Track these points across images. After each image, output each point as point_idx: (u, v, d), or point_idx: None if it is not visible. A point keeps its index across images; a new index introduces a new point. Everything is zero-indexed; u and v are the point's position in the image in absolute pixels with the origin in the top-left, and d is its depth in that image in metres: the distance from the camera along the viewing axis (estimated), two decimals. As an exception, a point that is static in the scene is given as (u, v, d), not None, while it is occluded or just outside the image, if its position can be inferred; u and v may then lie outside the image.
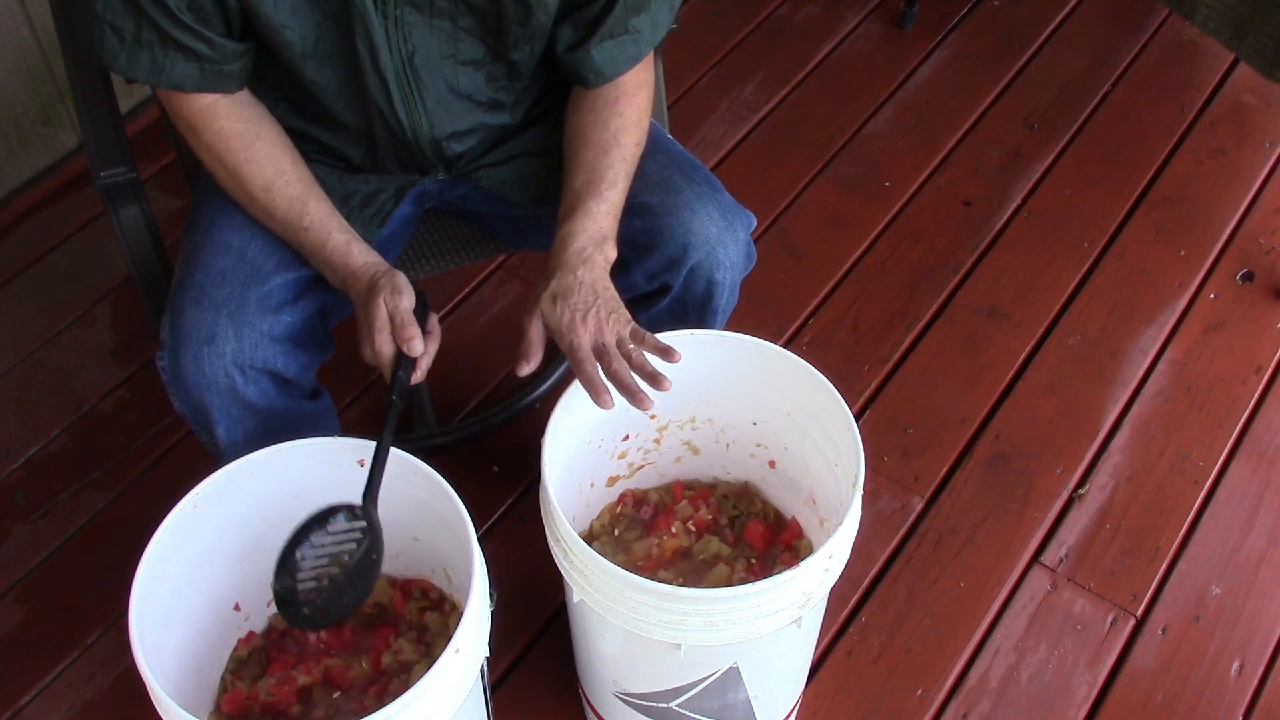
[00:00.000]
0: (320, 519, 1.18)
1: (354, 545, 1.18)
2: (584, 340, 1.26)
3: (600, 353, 1.27)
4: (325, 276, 1.36)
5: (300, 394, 1.41)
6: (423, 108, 1.38)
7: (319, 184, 1.37)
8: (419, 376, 1.28)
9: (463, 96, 1.40)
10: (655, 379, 1.27)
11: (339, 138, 1.43)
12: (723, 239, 1.41)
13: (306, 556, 1.16)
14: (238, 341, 1.30)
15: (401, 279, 1.29)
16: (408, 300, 1.27)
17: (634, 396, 1.25)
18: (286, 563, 1.16)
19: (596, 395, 1.26)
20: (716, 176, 1.47)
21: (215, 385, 1.31)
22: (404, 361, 1.25)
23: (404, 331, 1.25)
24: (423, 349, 1.26)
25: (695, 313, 1.46)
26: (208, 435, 1.36)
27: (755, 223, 1.48)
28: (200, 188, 1.47)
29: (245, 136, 1.33)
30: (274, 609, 1.42)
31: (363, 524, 1.18)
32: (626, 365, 1.27)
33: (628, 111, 1.39)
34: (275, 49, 1.31)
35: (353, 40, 1.30)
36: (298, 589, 1.16)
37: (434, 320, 1.31)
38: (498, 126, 1.47)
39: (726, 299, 1.46)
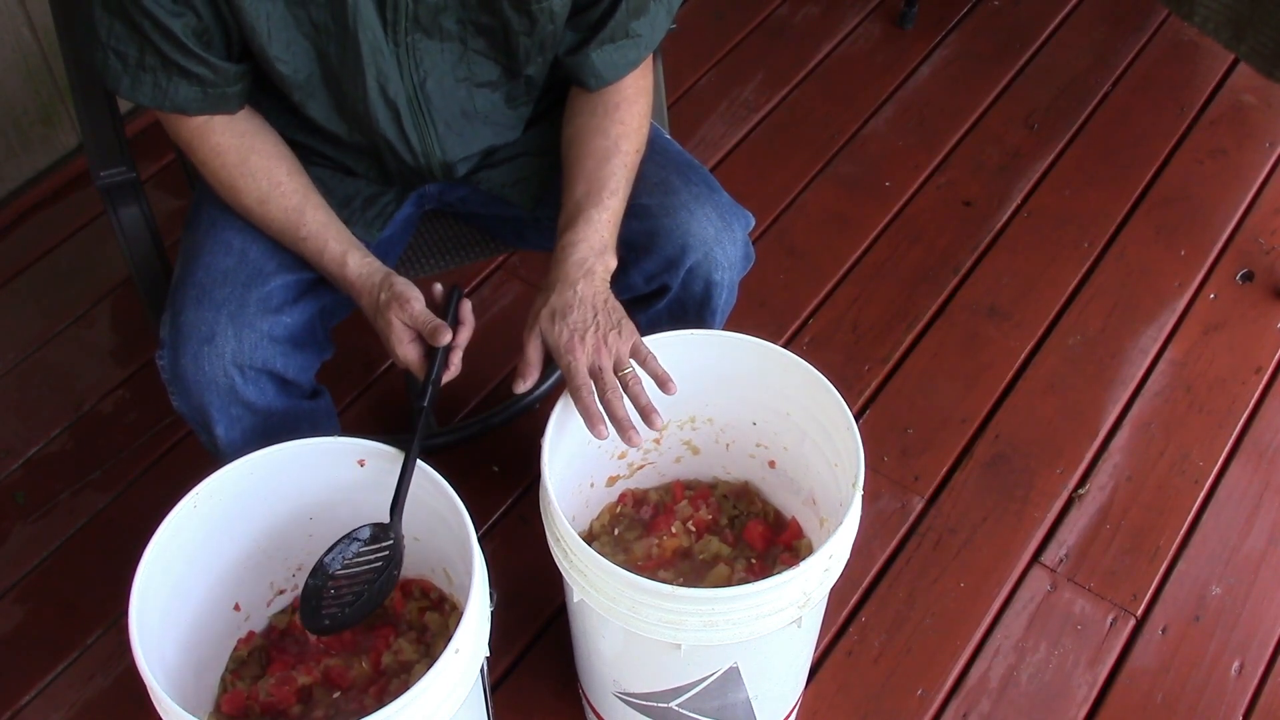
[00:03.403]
0: (351, 533, 1.23)
1: (380, 564, 1.21)
2: (580, 363, 1.27)
3: (596, 377, 1.27)
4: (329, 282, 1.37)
5: (300, 394, 1.41)
6: (434, 133, 1.38)
7: (318, 191, 1.36)
8: (452, 372, 1.29)
9: (476, 118, 1.40)
10: (648, 414, 1.28)
11: (339, 151, 1.43)
12: (720, 239, 1.41)
13: (337, 566, 1.21)
14: (237, 342, 1.30)
15: (401, 285, 1.29)
16: (417, 303, 1.28)
17: (625, 432, 1.27)
18: (320, 569, 1.21)
19: (591, 424, 1.27)
20: (716, 176, 1.47)
21: (214, 385, 1.31)
22: (437, 359, 1.28)
23: (432, 335, 1.27)
24: (451, 336, 1.27)
25: (694, 313, 1.46)
26: (207, 435, 1.37)
27: (753, 223, 1.47)
28: (202, 185, 1.47)
29: (240, 151, 1.33)
30: (274, 609, 1.42)
31: (389, 543, 1.22)
32: (621, 395, 1.28)
33: (629, 118, 1.39)
34: (270, 78, 1.31)
35: (351, 71, 1.30)
36: (324, 598, 1.20)
37: (467, 308, 1.32)
38: (503, 145, 1.47)
39: (725, 299, 1.46)
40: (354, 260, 1.32)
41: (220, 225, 1.38)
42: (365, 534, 1.23)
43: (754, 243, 1.48)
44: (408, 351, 1.29)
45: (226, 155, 1.33)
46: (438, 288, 1.33)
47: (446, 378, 1.29)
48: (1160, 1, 2.19)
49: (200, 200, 1.45)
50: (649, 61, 1.43)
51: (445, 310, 1.31)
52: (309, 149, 1.41)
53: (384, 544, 1.22)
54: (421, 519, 1.30)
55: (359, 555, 1.22)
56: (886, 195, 2.33)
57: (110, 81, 1.28)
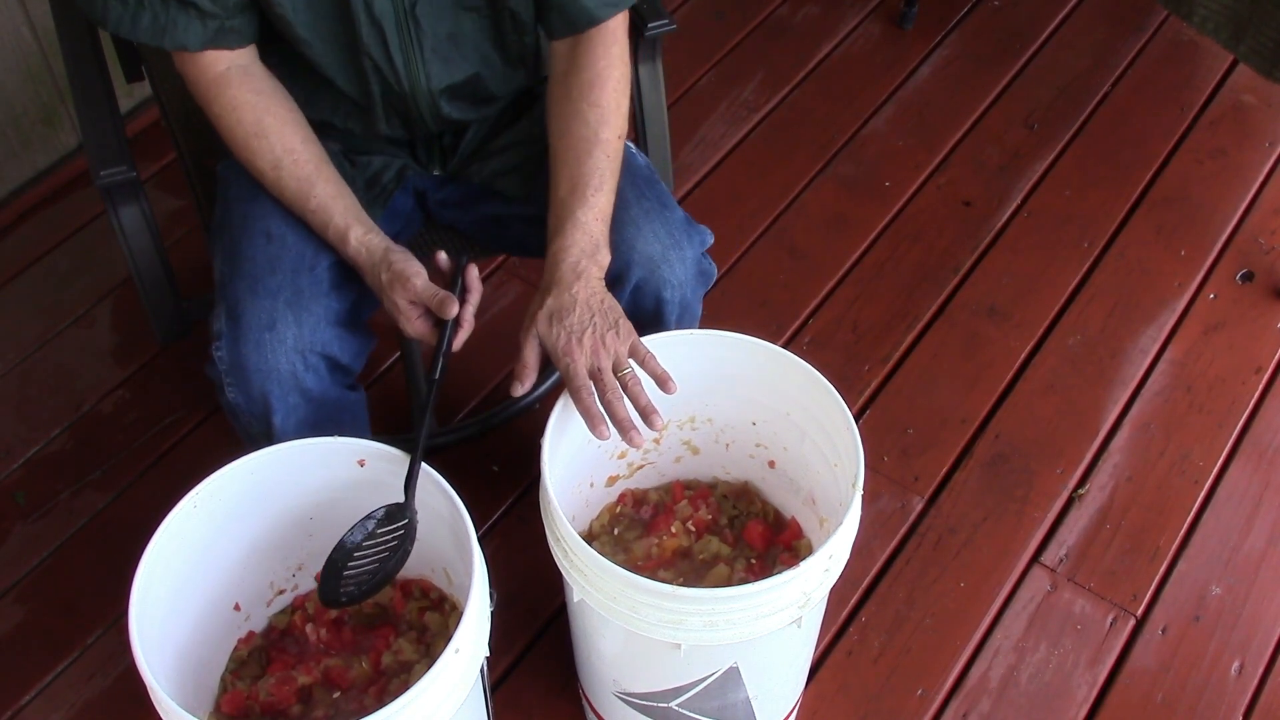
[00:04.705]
0: (370, 514, 1.25)
1: (395, 542, 1.22)
2: (579, 365, 1.27)
3: (596, 378, 1.27)
4: None
5: (345, 383, 1.42)
6: (420, 57, 1.37)
7: (331, 164, 1.37)
8: (465, 331, 1.31)
9: (463, 42, 1.39)
10: (648, 415, 1.28)
11: (340, 113, 1.43)
12: (668, 257, 1.40)
13: (355, 542, 1.23)
14: (298, 327, 1.32)
15: (401, 264, 1.30)
16: (418, 279, 1.29)
17: (626, 433, 1.27)
18: (340, 547, 1.23)
19: (593, 425, 1.27)
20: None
21: (276, 372, 1.32)
22: (447, 329, 1.30)
23: (440, 307, 1.28)
24: (459, 308, 1.29)
25: (649, 329, 1.44)
26: (263, 425, 1.36)
27: (710, 240, 1.47)
28: (221, 187, 1.47)
29: (256, 110, 1.33)
30: (274, 609, 1.42)
31: (404, 521, 1.23)
32: (621, 396, 1.28)
33: (604, 100, 1.37)
34: (264, 6, 1.30)
35: None
36: (343, 574, 1.21)
37: (473, 273, 1.33)
38: (488, 93, 1.45)
39: (678, 316, 1.45)
40: (355, 236, 1.33)
41: (252, 218, 1.39)
42: (380, 514, 1.24)
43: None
44: (418, 327, 1.31)
45: (243, 112, 1.32)
46: (442, 256, 1.34)
47: (461, 337, 1.30)
48: (1159, 2, 2.19)
49: (227, 201, 1.44)
50: (624, 30, 1.39)
51: (452, 279, 1.31)
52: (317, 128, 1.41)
53: (399, 523, 1.23)
54: (422, 519, 1.30)
55: (375, 533, 1.23)
56: (886, 195, 2.33)
57: (111, 22, 1.28)
